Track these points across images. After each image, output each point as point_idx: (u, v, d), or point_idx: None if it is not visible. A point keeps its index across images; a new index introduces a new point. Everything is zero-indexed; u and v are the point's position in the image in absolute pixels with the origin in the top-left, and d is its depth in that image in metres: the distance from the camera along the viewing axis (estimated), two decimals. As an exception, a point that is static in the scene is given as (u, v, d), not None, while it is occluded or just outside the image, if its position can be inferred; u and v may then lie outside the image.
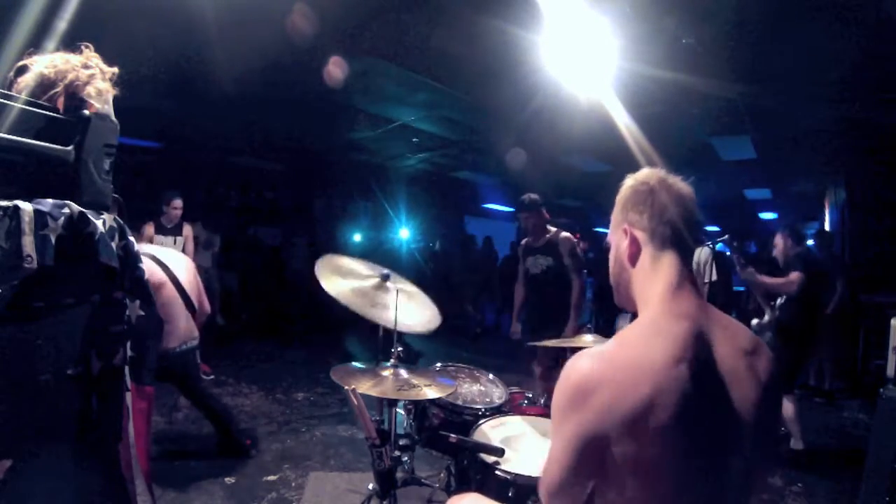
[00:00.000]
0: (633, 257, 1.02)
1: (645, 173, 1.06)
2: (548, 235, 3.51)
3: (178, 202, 4.65)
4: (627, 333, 0.93)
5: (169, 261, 2.78)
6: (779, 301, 3.77)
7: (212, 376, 4.81)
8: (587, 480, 0.88)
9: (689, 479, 0.86)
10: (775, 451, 1.03)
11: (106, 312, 1.11)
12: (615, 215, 1.07)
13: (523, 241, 3.74)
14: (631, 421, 0.82)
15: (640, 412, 0.82)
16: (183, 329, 2.80)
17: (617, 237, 1.06)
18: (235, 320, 7.38)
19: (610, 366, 0.86)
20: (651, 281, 1.00)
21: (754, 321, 3.86)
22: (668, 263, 0.99)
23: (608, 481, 0.87)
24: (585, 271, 3.76)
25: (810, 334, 3.70)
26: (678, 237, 1.00)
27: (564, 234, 3.49)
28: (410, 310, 2.15)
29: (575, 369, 0.88)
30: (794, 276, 3.54)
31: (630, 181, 1.06)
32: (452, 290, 8.31)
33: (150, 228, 4.55)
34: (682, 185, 1.04)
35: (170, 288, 2.70)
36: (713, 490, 0.89)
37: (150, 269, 2.60)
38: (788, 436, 3.88)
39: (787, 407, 3.63)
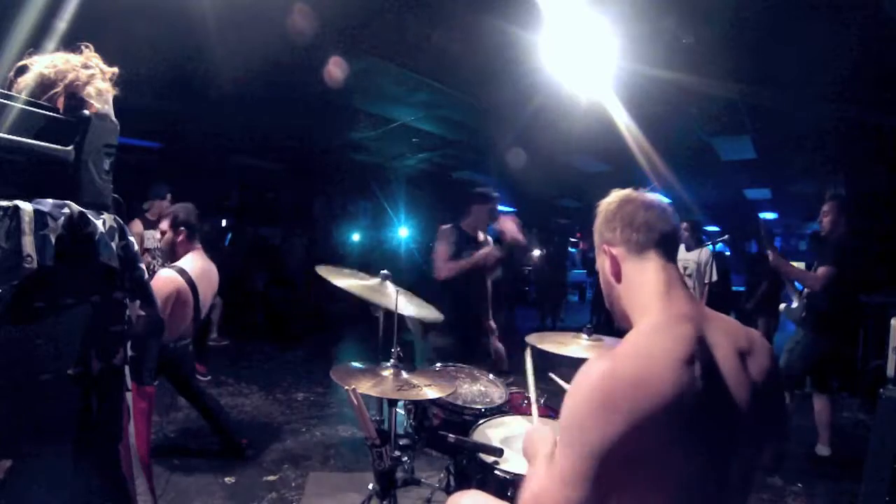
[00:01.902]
0: (617, 274, 1.04)
1: (611, 195, 1.10)
2: None
3: (167, 195, 4.70)
4: (635, 338, 0.92)
5: (201, 281, 2.81)
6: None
7: (208, 377, 4.81)
8: (601, 497, 0.82)
9: (695, 479, 0.86)
10: (778, 449, 1.01)
11: (106, 312, 1.11)
12: (595, 242, 1.11)
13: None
14: (653, 421, 0.81)
15: (660, 412, 0.81)
16: (185, 328, 2.88)
17: (601, 260, 1.09)
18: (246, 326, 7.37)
19: (632, 366, 0.85)
20: (640, 289, 1.00)
21: (782, 306, 3.66)
22: (652, 268, 1.00)
23: (620, 483, 0.86)
24: (585, 271, 3.74)
25: (846, 324, 3.43)
26: (655, 239, 1.01)
27: None
28: (412, 305, 2.21)
29: (597, 374, 0.85)
30: (822, 272, 3.24)
31: (600, 206, 1.10)
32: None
33: (138, 226, 4.54)
34: (648, 194, 1.07)
35: (191, 304, 2.77)
36: (715, 489, 0.89)
37: (183, 289, 2.65)
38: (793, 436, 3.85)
39: (822, 408, 3.49)
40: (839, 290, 3.28)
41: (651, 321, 0.95)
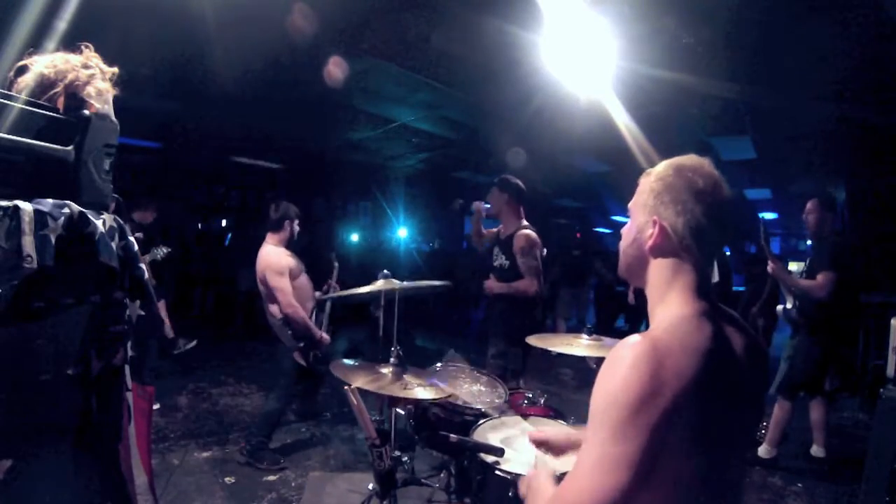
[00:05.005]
0: (656, 249, 0.96)
1: (690, 164, 0.98)
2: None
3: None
4: (664, 324, 0.90)
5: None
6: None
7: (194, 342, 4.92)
8: (650, 490, 0.79)
9: (708, 475, 0.86)
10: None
11: (106, 312, 1.11)
12: (644, 197, 1.00)
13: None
14: (687, 407, 0.79)
15: (690, 398, 0.80)
16: None
17: (641, 220, 0.99)
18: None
19: (668, 344, 0.83)
20: (673, 278, 0.95)
21: (779, 307, 3.63)
22: (691, 266, 0.95)
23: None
24: None
25: (843, 325, 3.40)
26: (706, 240, 0.95)
27: None
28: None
29: (635, 357, 0.81)
30: (822, 279, 3.18)
31: (667, 169, 0.99)
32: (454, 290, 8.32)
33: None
34: (722, 185, 0.97)
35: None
36: (725, 485, 0.90)
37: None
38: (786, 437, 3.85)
39: (817, 410, 3.49)
40: (838, 292, 3.23)
41: (677, 314, 0.91)
